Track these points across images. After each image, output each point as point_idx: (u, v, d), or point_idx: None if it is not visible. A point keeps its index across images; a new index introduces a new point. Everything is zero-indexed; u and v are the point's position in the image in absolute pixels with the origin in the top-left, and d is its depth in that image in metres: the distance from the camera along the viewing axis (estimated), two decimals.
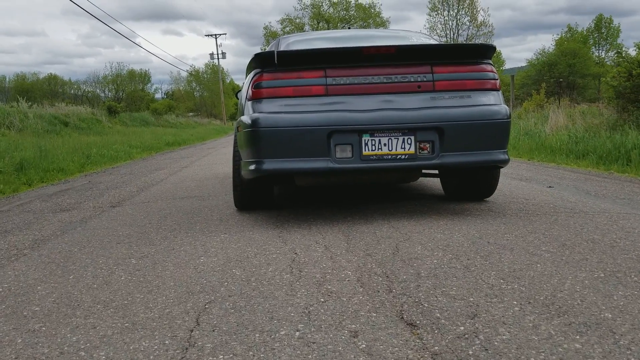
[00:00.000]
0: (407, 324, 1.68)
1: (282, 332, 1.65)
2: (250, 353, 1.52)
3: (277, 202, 4.15)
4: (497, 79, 3.40)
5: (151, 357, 1.52)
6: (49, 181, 6.73)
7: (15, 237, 3.35)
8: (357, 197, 4.29)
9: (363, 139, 3.14)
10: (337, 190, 4.73)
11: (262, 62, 3.24)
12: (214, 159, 9.98)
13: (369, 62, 3.25)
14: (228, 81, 65.58)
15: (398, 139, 3.16)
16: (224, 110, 52.17)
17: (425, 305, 1.83)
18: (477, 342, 1.53)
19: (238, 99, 4.79)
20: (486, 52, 3.35)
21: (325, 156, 3.13)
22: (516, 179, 5.20)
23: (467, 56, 3.38)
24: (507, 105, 3.40)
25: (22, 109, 16.13)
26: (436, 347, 1.51)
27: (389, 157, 3.16)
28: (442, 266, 2.27)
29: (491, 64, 3.41)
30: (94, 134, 16.43)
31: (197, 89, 65.96)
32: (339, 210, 3.70)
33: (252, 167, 3.20)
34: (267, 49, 3.88)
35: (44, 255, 2.82)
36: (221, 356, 1.51)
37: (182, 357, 1.51)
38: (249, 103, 3.30)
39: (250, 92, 3.29)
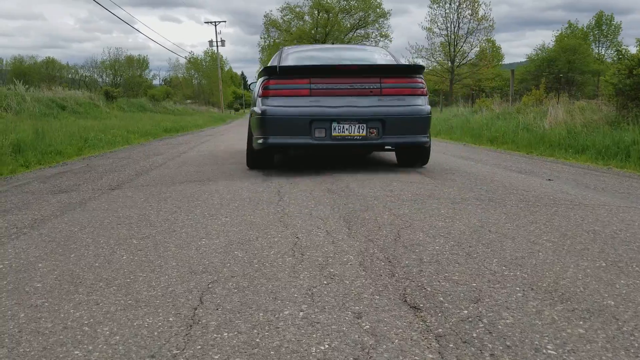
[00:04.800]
0: (411, 307, 1.69)
1: (286, 312, 1.65)
2: (255, 331, 1.52)
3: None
4: (424, 87, 4.95)
5: (155, 333, 1.52)
6: (47, 163, 6.70)
7: (14, 216, 3.34)
8: (358, 186, 4.29)
9: (333, 125, 4.76)
10: (337, 178, 4.72)
11: (269, 72, 4.91)
12: (213, 146, 9.95)
13: (339, 74, 4.83)
14: (227, 69, 65.29)
15: (355, 125, 4.77)
16: (221, 98, 51.93)
17: (428, 289, 1.84)
18: (481, 325, 1.53)
19: (250, 90, 6.90)
20: (418, 69, 5.03)
21: (308, 135, 4.76)
22: (515, 172, 5.21)
23: (405, 72, 4.98)
24: (431, 105, 5.06)
25: (20, 91, 16.01)
26: (440, 330, 1.51)
27: (349, 137, 4.79)
28: (444, 252, 2.28)
29: (421, 77, 4.99)
30: (91, 119, 16.31)
31: (196, 76, 65.68)
32: (339, 198, 3.70)
33: (261, 141, 4.86)
34: (272, 59, 5.97)
35: (44, 235, 2.81)
36: (225, 333, 1.51)
37: (187, 334, 1.51)
38: (260, 99, 4.93)
39: (260, 91, 4.91)
